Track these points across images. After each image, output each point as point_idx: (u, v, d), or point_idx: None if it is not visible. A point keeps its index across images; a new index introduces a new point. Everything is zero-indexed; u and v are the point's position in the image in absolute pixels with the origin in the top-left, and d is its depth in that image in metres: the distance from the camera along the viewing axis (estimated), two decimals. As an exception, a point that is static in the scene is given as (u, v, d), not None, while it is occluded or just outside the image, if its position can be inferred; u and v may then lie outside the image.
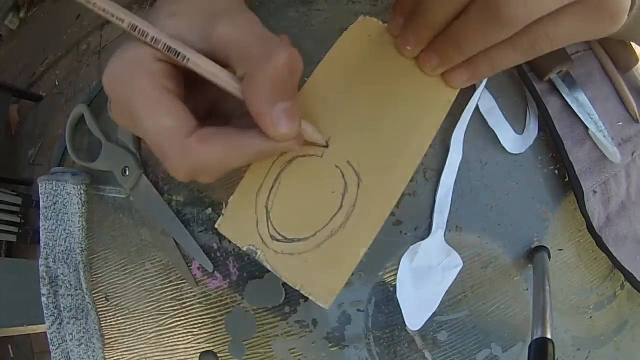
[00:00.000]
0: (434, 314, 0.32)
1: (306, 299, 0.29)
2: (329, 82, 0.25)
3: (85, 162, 0.41)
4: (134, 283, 0.40)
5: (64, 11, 2.19)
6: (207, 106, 0.23)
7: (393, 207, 0.23)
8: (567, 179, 0.33)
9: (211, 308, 0.36)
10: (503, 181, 0.33)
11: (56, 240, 0.42)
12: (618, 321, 0.36)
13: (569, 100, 0.33)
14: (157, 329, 0.39)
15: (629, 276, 0.34)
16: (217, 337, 0.36)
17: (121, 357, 0.41)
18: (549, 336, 0.26)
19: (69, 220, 0.42)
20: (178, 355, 0.38)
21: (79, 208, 0.40)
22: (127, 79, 0.19)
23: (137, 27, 0.19)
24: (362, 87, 0.25)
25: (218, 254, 0.36)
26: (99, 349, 0.41)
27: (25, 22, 2.33)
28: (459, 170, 0.32)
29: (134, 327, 0.40)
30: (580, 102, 0.33)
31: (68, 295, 0.42)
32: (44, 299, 0.41)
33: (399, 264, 0.32)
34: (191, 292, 0.37)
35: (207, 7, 0.20)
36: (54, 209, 0.42)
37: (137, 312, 0.40)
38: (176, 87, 0.20)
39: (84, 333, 0.42)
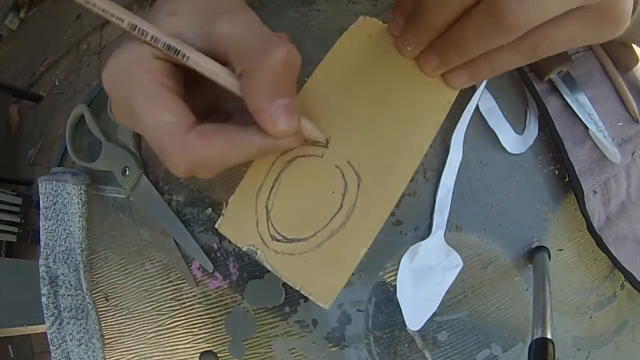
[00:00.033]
0: (434, 314, 0.32)
1: (306, 299, 0.29)
2: (329, 82, 0.25)
3: (85, 162, 0.41)
4: (134, 283, 0.40)
5: (64, 11, 2.19)
6: (208, 104, 0.23)
7: (393, 207, 0.23)
8: (567, 179, 0.33)
9: (211, 308, 0.36)
10: (503, 181, 0.33)
11: (56, 240, 0.42)
12: (618, 321, 0.36)
13: (569, 100, 0.33)
14: (157, 329, 0.39)
15: (629, 276, 0.34)
16: (217, 337, 0.36)
17: (121, 357, 0.41)
18: (549, 336, 0.26)
19: (69, 220, 0.42)
20: (178, 355, 0.38)
21: (79, 208, 0.40)
22: (127, 76, 0.19)
23: (136, 26, 0.19)
24: (362, 87, 0.24)
25: (218, 254, 0.36)
26: (99, 349, 0.41)
27: (25, 22, 2.33)
28: (459, 170, 0.32)
29: (133, 327, 0.40)
30: (580, 102, 0.33)
31: (68, 295, 0.42)
32: (44, 299, 0.41)
33: (399, 264, 0.32)
34: (191, 292, 0.37)
35: (207, 5, 0.20)
36: (54, 209, 0.42)
37: (136, 312, 0.40)
38: (175, 84, 0.20)
39: (84, 333, 0.42)
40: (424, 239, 0.32)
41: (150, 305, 0.39)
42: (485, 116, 0.33)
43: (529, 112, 0.34)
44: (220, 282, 0.36)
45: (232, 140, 0.19)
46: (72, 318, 0.41)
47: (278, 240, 0.23)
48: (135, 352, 0.40)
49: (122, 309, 0.41)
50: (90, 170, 0.41)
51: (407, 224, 0.33)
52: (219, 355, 0.36)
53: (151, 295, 0.39)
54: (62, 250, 0.42)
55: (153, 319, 0.39)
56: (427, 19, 0.21)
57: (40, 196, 0.42)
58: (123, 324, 0.41)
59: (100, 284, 0.42)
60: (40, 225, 0.42)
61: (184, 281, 0.37)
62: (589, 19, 0.19)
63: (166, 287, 0.38)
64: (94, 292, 0.42)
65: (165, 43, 0.19)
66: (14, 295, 1.07)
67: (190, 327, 0.37)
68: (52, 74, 2.08)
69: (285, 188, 0.23)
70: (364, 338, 0.33)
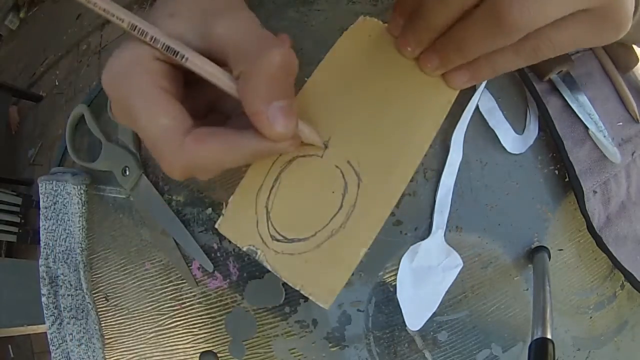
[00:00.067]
0: (434, 314, 0.32)
1: (306, 299, 0.29)
2: (329, 82, 0.25)
3: (85, 162, 0.41)
4: (134, 283, 0.40)
5: (64, 11, 2.19)
6: (207, 104, 0.23)
7: (393, 207, 0.23)
8: (567, 179, 0.33)
9: (211, 308, 0.36)
10: (503, 181, 0.33)
11: (56, 240, 0.42)
12: (618, 321, 0.36)
13: (569, 100, 0.33)
14: (157, 329, 0.39)
15: (629, 276, 0.34)
16: (217, 337, 0.36)
17: (121, 357, 0.41)
18: (549, 336, 0.26)
19: (69, 220, 0.42)
20: (178, 355, 0.38)
21: (79, 208, 0.40)
22: (126, 77, 0.19)
23: (136, 26, 0.19)
24: (362, 87, 0.25)
25: (218, 254, 0.36)
26: (99, 349, 0.41)
27: (25, 22, 2.33)
28: (459, 170, 0.32)
29: (133, 327, 0.40)
30: (580, 102, 0.33)
31: (68, 295, 0.42)
32: (44, 299, 0.41)
33: (399, 264, 0.32)
34: (191, 292, 0.37)
35: (206, 6, 0.20)
36: (54, 209, 0.42)
37: (136, 312, 0.40)
38: (174, 86, 0.20)
39: (84, 333, 0.42)
40: (424, 239, 0.32)
41: (150, 305, 0.39)
42: (485, 116, 0.33)
43: (529, 112, 0.34)
44: (220, 282, 0.36)
45: (228, 144, 0.19)
46: (72, 318, 0.41)
47: (278, 240, 0.23)
48: (136, 352, 0.40)
49: (122, 309, 0.41)
50: (90, 170, 0.41)
51: (407, 224, 0.33)
52: (219, 355, 0.36)
53: (151, 295, 0.39)
54: (62, 250, 0.42)
55: (153, 319, 0.39)
56: (428, 20, 0.21)
57: (40, 196, 0.42)
58: (123, 324, 0.41)
59: (100, 284, 0.42)
60: (40, 225, 0.42)
61: (184, 281, 0.37)
62: (590, 22, 0.19)
63: (166, 287, 0.38)
64: (94, 292, 0.42)
65: (164, 44, 0.19)
66: (14, 295, 1.07)
67: (190, 327, 0.37)
68: (52, 74, 2.08)
69: (285, 188, 0.23)
70: (364, 338, 0.33)
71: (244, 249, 0.23)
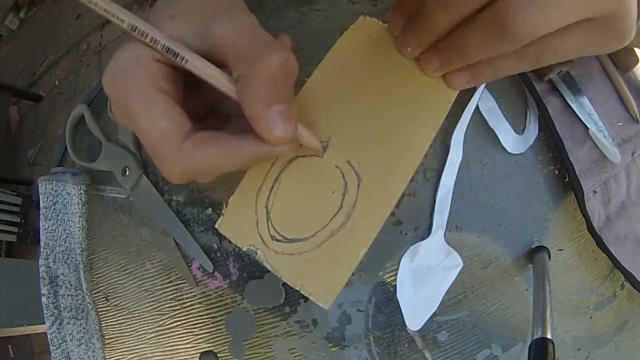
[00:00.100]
0: (434, 314, 0.32)
1: (306, 299, 0.29)
2: (329, 82, 0.25)
3: (85, 162, 0.41)
4: (134, 283, 0.40)
5: (64, 11, 2.19)
6: (207, 106, 0.23)
7: (393, 207, 0.23)
8: (567, 179, 0.33)
9: (211, 308, 0.36)
10: (503, 181, 0.33)
11: (56, 240, 0.42)
12: (618, 321, 0.36)
13: (569, 100, 0.33)
14: (157, 329, 0.39)
15: (629, 276, 0.34)
16: (217, 337, 0.36)
17: (121, 357, 0.41)
18: (549, 336, 0.26)
19: (69, 220, 0.42)
20: (178, 355, 0.38)
21: (79, 208, 0.40)
22: (126, 79, 0.19)
23: (136, 27, 0.19)
24: (362, 87, 0.24)
25: (218, 254, 0.36)
26: (99, 349, 0.41)
27: (25, 22, 2.33)
28: (459, 170, 0.32)
29: (134, 327, 0.40)
30: (580, 102, 0.33)
31: (68, 295, 0.42)
32: (44, 299, 0.41)
33: (399, 264, 0.32)
34: (191, 292, 0.37)
35: (207, 8, 0.20)
36: (54, 209, 0.42)
37: (137, 312, 0.40)
38: (174, 89, 0.20)
39: (84, 333, 0.42)
40: (424, 239, 0.32)
41: (151, 305, 0.39)
42: (485, 116, 0.33)
43: (529, 112, 0.34)
44: (220, 282, 0.36)
45: (227, 148, 0.19)
46: (72, 318, 0.41)
47: (278, 240, 0.23)
48: (136, 352, 0.40)
49: (122, 309, 0.41)
50: (90, 170, 0.41)
51: (407, 224, 0.33)
52: (219, 355, 0.36)
53: (151, 295, 0.39)
54: (62, 250, 0.42)
55: (153, 319, 0.39)
56: (429, 22, 0.21)
57: (40, 196, 0.42)
58: (123, 324, 0.41)
59: (100, 284, 0.42)
60: (40, 225, 0.42)
61: (184, 281, 0.37)
62: (594, 31, 0.19)
63: (166, 287, 0.38)
64: (94, 292, 0.42)
65: (164, 45, 0.19)
66: (14, 295, 1.07)
67: (191, 327, 0.37)
68: (52, 74, 2.08)
69: (285, 188, 0.23)
70: (364, 338, 0.33)
71: (244, 249, 0.23)
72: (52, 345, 0.42)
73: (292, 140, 0.20)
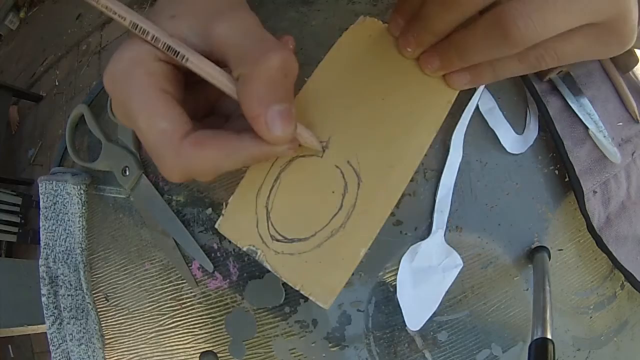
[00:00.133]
0: (434, 314, 0.32)
1: (306, 299, 0.29)
2: (329, 82, 0.25)
3: (85, 162, 0.41)
4: (134, 283, 0.40)
5: (64, 11, 2.19)
6: (208, 105, 0.23)
7: (393, 207, 0.23)
8: (567, 179, 0.33)
9: (211, 308, 0.36)
10: (503, 181, 0.33)
11: (56, 240, 0.42)
12: (618, 321, 0.36)
13: (569, 100, 0.33)
14: (157, 329, 0.39)
15: (629, 276, 0.34)
16: (217, 337, 0.36)
17: (121, 357, 0.41)
18: (549, 336, 0.26)
19: (69, 220, 0.42)
20: (178, 355, 0.38)
21: (79, 208, 0.40)
22: (127, 77, 0.19)
23: (137, 25, 0.19)
24: (362, 87, 0.25)
25: (218, 254, 0.36)
26: (99, 349, 0.41)
27: (25, 22, 2.33)
28: (459, 170, 0.32)
29: (133, 327, 0.40)
30: (580, 102, 0.33)
31: (68, 295, 0.42)
32: (44, 299, 0.41)
33: (399, 264, 0.32)
34: (191, 292, 0.37)
35: (208, 7, 0.20)
36: (54, 209, 0.42)
37: (137, 312, 0.40)
38: (174, 87, 0.20)
39: (84, 333, 0.42)
40: (424, 239, 0.32)
41: (151, 305, 0.39)
42: (485, 116, 0.33)
43: (529, 112, 0.34)
44: (220, 282, 0.36)
45: (226, 148, 0.19)
46: (72, 318, 0.41)
47: (278, 240, 0.23)
48: (136, 352, 0.40)
49: (122, 309, 0.41)
50: (90, 170, 0.41)
51: (407, 224, 0.33)
52: (219, 355, 0.36)
53: (151, 295, 0.39)
54: (62, 250, 0.42)
55: (153, 319, 0.39)
56: (430, 24, 0.21)
57: (40, 196, 0.42)
58: (123, 324, 0.41)
59: (100, 284, 0.42)
60: (40, 225, 0.42)
61: (184, 281, 0.37)
62: (595, 36, 0.19)
63: (166, 287, 0.38)
64: (94, 292, 0.42)
65: (165, 43, 0.19)
66: (14, 295, 1.07)
67: (191, 327, 0.37)
68: (52, 74, 2.08)
69: (285, 188, 0.23)
70: (364, 338, 0.33)
71: (244, 249, 0.23)
72: (52, 345, 0.42)
73: (292, 140, 0.20)
